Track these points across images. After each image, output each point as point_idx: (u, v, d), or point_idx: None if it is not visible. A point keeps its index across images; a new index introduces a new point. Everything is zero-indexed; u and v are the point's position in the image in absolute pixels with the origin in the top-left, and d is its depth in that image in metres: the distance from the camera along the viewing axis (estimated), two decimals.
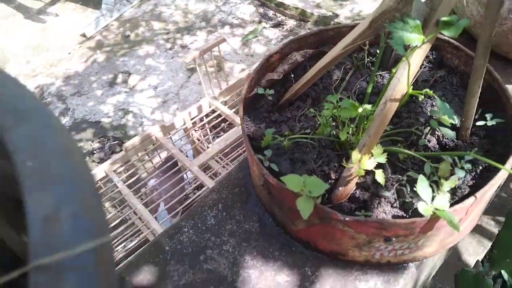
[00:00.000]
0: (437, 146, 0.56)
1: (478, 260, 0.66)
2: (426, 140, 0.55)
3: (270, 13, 2.84)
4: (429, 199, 0.45)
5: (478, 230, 0.95)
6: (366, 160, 0.46)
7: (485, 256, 0.94)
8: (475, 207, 0.49)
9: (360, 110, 0.49)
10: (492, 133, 0.56)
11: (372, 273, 0.54)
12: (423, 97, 0.57)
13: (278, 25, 2.74)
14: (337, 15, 2.62)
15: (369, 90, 0.53)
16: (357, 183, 0.51)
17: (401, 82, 0.46)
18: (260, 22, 2.78)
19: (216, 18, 2.90)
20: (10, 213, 0.30)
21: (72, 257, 0.17)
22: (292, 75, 0.63)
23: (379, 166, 0.49)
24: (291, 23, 2.71)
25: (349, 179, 0.49)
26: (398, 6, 0.43)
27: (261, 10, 2.88)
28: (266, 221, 0.60)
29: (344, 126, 0.52)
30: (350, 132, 0.53)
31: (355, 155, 0.47)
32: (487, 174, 0.52)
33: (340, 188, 0.50)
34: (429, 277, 0.66)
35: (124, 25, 2.95)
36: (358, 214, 0.49)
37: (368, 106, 0.49)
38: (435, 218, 0.45)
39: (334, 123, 0.56)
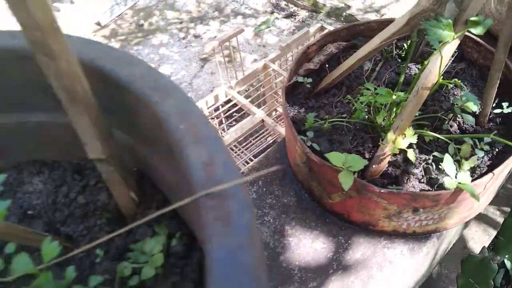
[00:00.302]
0: (458, 130, 0.63)
1: (484, 246, 0.71)
2: (449, 125, 0.62)
3: (282, 3, 2.88)
4: (453, 174, 0.52)
5: (484, 219, 1.01)
6: (401, 140, 0.53)
7: (488, 246, 1.00)
8: (492, 183, 0.56)
9: (394, 97, 0.55)
10: (508, 120, 0.63)
11: (399, 241, 0.62)
12: (451, 86, 0.64)
13: (290, 15, 2.79)
14: (349, 7, 2.66)
15: (401, 79, 0.59)
16: (388, 162, 0.58)
17: (432, 72, 0.52)
18: (272, 12, 2.82)
19: (229, 8, 2.94)
20: (124, 175, 0.37)
21: (231, 188, 0.23)
22: (327, 65, 0.70)
23: (409, 147, 0.56)
24: (303, 14, 2.75)
25: (383, 157, 0.56)
26: (434, 7, 0.49)
27: (273, 0, 2.92)
28: (303, 196, 0.68)
29: (379, 112, 0.58)
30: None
31: (390, 135, 0.54)
32: (503, 156, 0.58)
33: (374, 166, 0.57)
34: (447, 249, 0.74)
35: (138, 14, 2.99)
36: (390, 188, 0.56)
37: (401, 94, 0.56)
38: (458, 191, 0.52)
39: (367, 109, 0.63)
